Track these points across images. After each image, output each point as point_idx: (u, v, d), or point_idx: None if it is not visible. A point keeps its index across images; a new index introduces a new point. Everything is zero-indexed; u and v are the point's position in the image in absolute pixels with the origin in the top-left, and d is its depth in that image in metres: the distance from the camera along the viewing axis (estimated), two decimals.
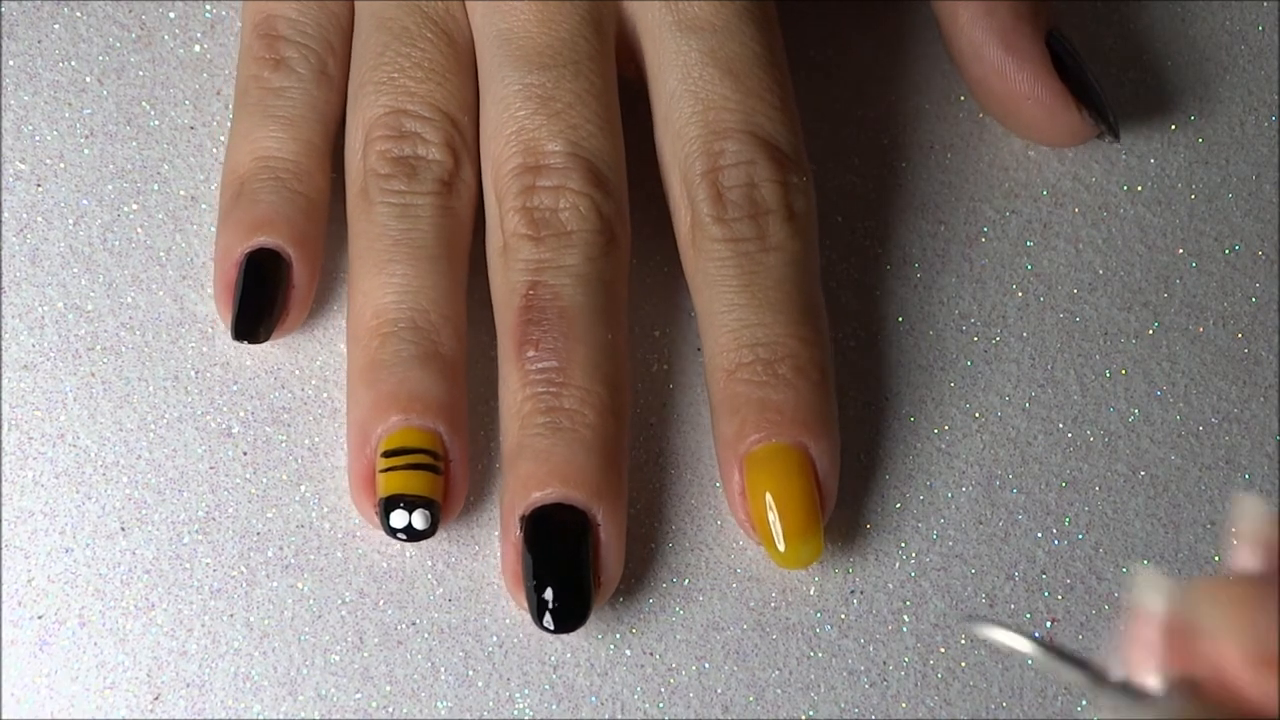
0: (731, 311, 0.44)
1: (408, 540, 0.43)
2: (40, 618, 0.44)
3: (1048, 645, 0.30)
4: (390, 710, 0.43)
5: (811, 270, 0.45)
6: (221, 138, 0.48)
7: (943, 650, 0.44)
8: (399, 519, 0.43)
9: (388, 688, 0.43)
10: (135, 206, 0.47)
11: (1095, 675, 0.29)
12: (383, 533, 0.44)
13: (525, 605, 0.42)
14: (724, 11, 0.45)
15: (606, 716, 0.43)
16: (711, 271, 0.44)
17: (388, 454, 0.43)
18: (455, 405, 0.44)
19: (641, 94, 0.46)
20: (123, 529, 0.44)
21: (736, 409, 0.43)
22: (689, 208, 0.45)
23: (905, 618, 0.45)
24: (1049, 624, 0.45)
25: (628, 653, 0.44)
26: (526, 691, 0.43)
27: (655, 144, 0.46)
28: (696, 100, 0.45)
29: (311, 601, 0.44)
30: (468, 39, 0.46)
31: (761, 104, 0.45)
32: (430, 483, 0.43)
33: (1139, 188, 0.49)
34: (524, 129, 0.44)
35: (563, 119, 0.44)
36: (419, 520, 0.43)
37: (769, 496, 0.43)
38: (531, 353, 0.43)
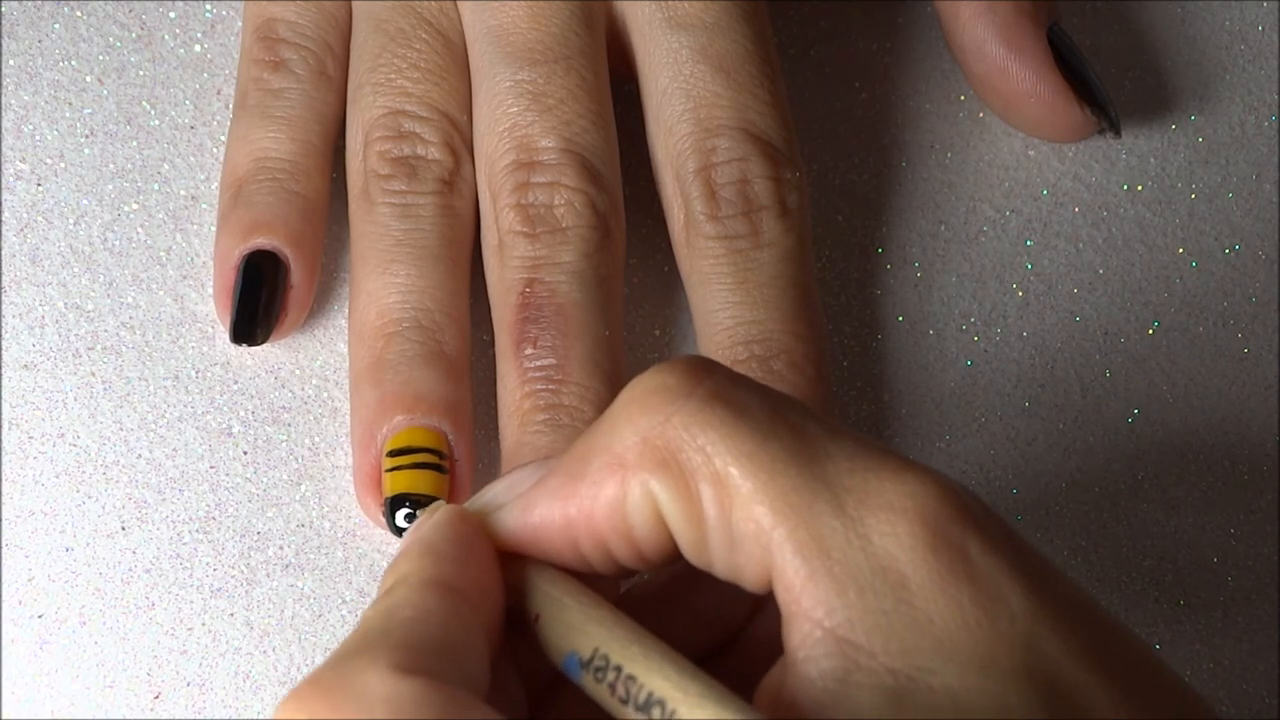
0: (726, 309, 0.44)
1: None
2: (40, 617, 0.44)
3: None
4: None
5: (806, 266, 0.45)
6: (221, 137, 0.48)
7: None
8: (405, 518, 0.43)
9: None
10: (135, 206, 0.47)
11: None
12: (384, 531, 0.44)
13: None
14: (714, 8, 0.45)
15: None
16: (706, 269, 0.44)
17: (393, 453, 0.43)
18: (460, 404, 0.44)
19: (635, 92, 0.46)
20: (123, 528, 0.44)
21: None
22: (682, 205, 0.45)
23: None
24: None
25: None
26: None
27: (647, 142, 0.46)
28: (688, 97, 0.45)
29: (312, 600, 0.44)
30: (464, 38, 0.46)
31: (753, 100, 0.45)
32: (436, 482, 0.43)
33: (1139, 188, 0.49)
34: (516, 125, 0.44)
35: (555, 115, 0.44)
36: None
37: None
38: (529, 350, 0.43)
